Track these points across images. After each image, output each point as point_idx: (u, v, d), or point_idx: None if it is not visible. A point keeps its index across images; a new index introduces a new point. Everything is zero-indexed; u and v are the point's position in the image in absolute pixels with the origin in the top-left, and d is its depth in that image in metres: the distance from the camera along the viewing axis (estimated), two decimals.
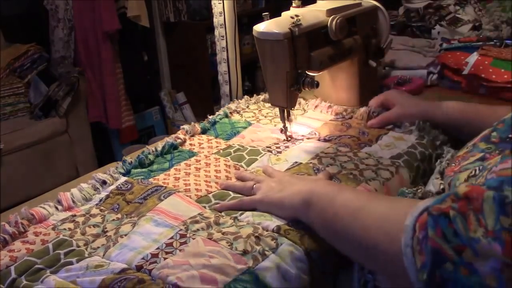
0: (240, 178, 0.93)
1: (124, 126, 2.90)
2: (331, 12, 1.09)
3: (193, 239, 0.73)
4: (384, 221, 0.60)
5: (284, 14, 1.09)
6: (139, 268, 0.68)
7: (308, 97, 1.32)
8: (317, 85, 1.04)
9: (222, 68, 1.47)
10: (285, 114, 1.10)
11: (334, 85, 1.25)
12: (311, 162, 0.97)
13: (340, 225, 0.68)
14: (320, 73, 1.09)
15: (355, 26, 1.16)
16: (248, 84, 3.38)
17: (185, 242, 0.72)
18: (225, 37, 1.42)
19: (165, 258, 0.69)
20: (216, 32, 1.43)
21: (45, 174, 2.50)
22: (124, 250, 0.72)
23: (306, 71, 1.05)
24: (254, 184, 0.86)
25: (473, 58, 1.35)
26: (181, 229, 0.76)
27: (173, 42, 3.32)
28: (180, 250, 0.71)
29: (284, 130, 1.10)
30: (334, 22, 1.06)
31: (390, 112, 1.11)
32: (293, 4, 1.13)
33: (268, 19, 1.05)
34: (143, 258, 0.69)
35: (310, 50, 1.05)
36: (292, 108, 1.10)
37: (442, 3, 1.76)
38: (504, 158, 0.54)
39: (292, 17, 1.02)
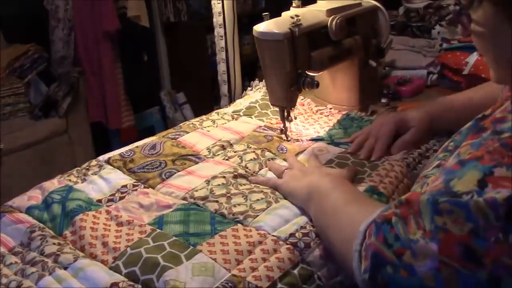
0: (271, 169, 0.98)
1: (124, 126, 2.90)
2: (331, 12, 1.09)
3: None
4: (351, 225, 0.64)
5: (284, 14, 1.09)
6: None
7: (308, 97, 1.32)
8: (317, 85, 1.04)
9: (221, 68, 1.47)
10: (285, 114, 1.10)
11: (334, 85, 1.25)
12: None
13: (324, 221, 0.74)
14: (320, 73, 1.09)
15: (355, 26, 1.16)
16: (248, 85, 3.38)
17: None
18: (224, 37, 1.42)
19: None
20: (216, 32, 1.44)
21: (45, 174, 2.49)
22: None
23: (306, 71, 1.05)
24: (286, 169, 0.92)
25: (473, 58, 1.35)
26: None
27: (173, 42, 3.32)
28: None
29: (284, 130, 1.10)
30: (334, 22, 1.06)
31: (406, 137, 1.02)
32: (293, 4, 1.13)
33: (268, 19, 1.05)
34: None
35: (310, 50, 1.05)
36: (292, 108, 1.10)
37: (442, 3, 1.76)
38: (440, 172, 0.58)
39: (292, 17, 1.02)
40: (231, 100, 1.48)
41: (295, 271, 0.71)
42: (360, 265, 0.57)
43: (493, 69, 0.69)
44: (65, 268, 0.72)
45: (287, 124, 1.11)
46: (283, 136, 1.11)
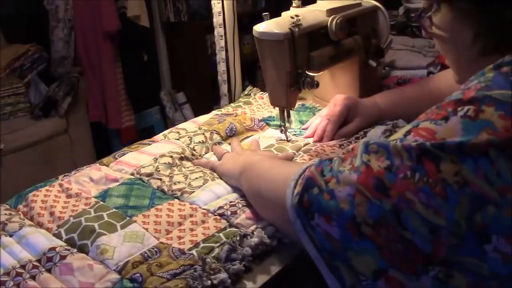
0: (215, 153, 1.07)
1: (124, 126, 2.90)
2: (331, 12, 1.09)
3: None
4: (286, 174, 0.68)
5: (284, 14, 1.09)
6: None
7: (308, 97, 1.32)
8: (317, 85, 1.04)
9: (221, 68, 1.47)
10: (285, 114, 1.10)
11: (334, 85, 1.25)
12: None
13: (256, 183, 0.79)
14: (320, 73, 1.09)
15: (355, 26, 1.16)
16: (248, 84, 3.38)
17: None
18: (223, 37, 1.42)
19: None
20: (216, 32, 1.44)
21: (45, 174, 2.49)
22: None
23: (306, 71, 1.05)
24: (226, 152, 1.01)
25: None
26: None
27: (173, 42, 3.32)
28: None
29: (284, 130, 1.10)
30: (334, 22, 1.06)
31: (351, 126, 1.10)
32: (293, 4, 1.13)
33: (268, 19, 1.05)
34: None
35: (310, 50, 1.05)
36: (292, 108, 1.10)
37: None
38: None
39: (292, 17, 1.02)
40: (231, 100, 1.48)
41: (221, 234, 0.79)
42: (294, 191, 0.63)
43: (455, 71, 0.73)
44: (11, 236, 0.81)
45: (287, 124, 1.11)
46: (283, 136, 1.11)
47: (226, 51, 1.44)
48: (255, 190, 0.80)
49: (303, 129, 1.16)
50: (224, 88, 1.50)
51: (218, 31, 1.42)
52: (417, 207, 0.50)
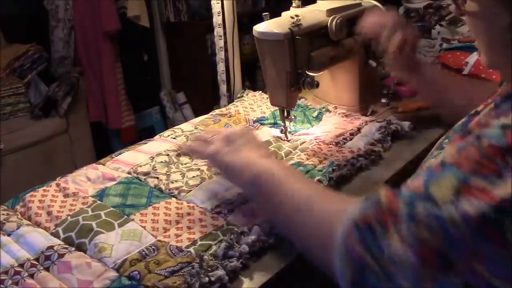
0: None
1: (124, 126, 2.90)
2: (331, 12, 1.09)
3: None
4: (319, 227, 0.62)
5: (284, 14, 1.09)
6: None
7: (308, 97, 1.32)
8: (317, 85, 1.04)
9: (220, 68, 1.47)
10: (285, 114, 1.10)
11: (334, 85, 1.25)
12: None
13: (282, 214, 0.70)
14: (320, 73, 1.09)
15: (355, 26, 1.16)
16: (248, 84, 3.38)
17: None
18: (222, 37, 1.42)
19: None
20: (215, 32, 1.44)
21: (45, 174, 2.49)
22: None
23: (306, 71, 1.05)
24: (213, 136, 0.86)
25: (473, 58, 1.35)
26: None
27: (173, 42, 3.32)
28: None
29: (284, 130, 1.10)
30: (334, 22, 1.06)
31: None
32: (293, 4, 1.13)
33: (268, 19, 1.05)
34: None
35: (310, 50, 1.05)
36: (292, 108, 1.10)
37: (442, 3, 1.76)
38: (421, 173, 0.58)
39: (292, 17, 1.02)
40: (231, 99, 1.48)
41: (218, 232, 0.79)
42: (343, 269, 0.56)
43: (485, 53, 0.68)
44: (9, 235, 0.82)
45: (287, 124, 1.11)
46: (282, 136, 1.11)
47: (226, 51, 1.44)
48: (283, 220, 0.71)
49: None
50: (223, 88, 1.49)
51: (218, 31, 1.42)
52: (486, 276, 0.47)
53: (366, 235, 0.54)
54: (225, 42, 1.43)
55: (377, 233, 0.53)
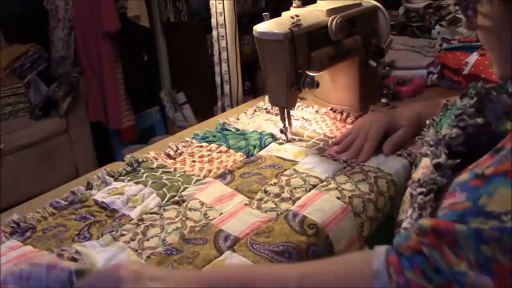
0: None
1: (124, 126, 2.90)
2: (331, 12, 1.09)
3: None
4: (345, 278, 0.54)
5: (284, 14, 1.09)
6: None
7: (308, 97, 1.32)
8: (317, 85, 1.04)
9: (218, 69, 1.47)
10: (285, 114, 1.10)
11: (334, 85, 1.25)
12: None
13: None
14: (320, 73, 1.09)
15: (355, 26, 1.16)
16: (248, 84, 3.38)
17: None
18: (221, 37, 1.42)
19: None
20: (216, 33, 1.43)
21: (45, 174, 2.49)
22: None
23: (306, 71, 1.05)
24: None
25: (473, 58, 1.35)
26: None
27: (173, 42, 3.32)
28: None
29: (284, 130, 1.10)
30: (334, 22, 1.06)
31: (399, 133, 1.02)
32: (293, 4, 1.13)
33: (268, 19, 1.05)
34: None
35: (310, 50, 1.05)
36: (292, 108, 1.10)
37: (442, 3, 1.76)
38: (450, 190, 0.54)
39: (292, 17, 1.02)
40: (231, 100, 1.48)
41: None
42: None
43: (497, 65, 0.67)
44: None
45: (287, 124, 1.11)
46: (283, 136, 1.11)
47: (226, 51, 1.44)
48: None
49: (334, 143, 1.07)
50: (226, 89, 1.49)
51: (220, 31, 1.42)
52: None
53: (417, 261, 0.48)
54: (226, 42, 1.43)
55: (432, 258, 0.47)
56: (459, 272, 0.46)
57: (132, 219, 0.84)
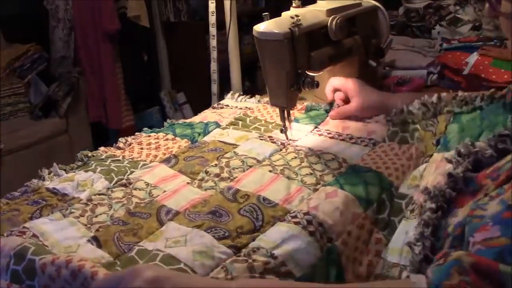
0: None
1: (124, 126, 2.90)
2: (331, 12, 1.09)
3: None
4: None
5: (284, 14, 1.09)
6: None
7: (308, 97, 1.32)
8: (317, 85, 1.04)
9: (212, 67, 1.47)
10: (285, 114, 1.09)
11: None
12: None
13: None
14: (320, 73, 1.09)
15: (355, 26, 1.16)
16: (248, 84, 3.38)
17: None
18: (211, 36, 1.42)
19: None
20: (210, 31, 1.43)
21: None
22: None
23: (306, 71, 1.05)
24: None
25: (473, 58, 1.35)
26: None
27: (173, 42, 3.32)
28: None
29: (284, 130, 1.10)
30: (334, 22, 1.06)
31: (350, 105, 1.09)
32: (293, 4, 1.13)
33: (268, 19, 1.05)
34: None
35: (310, 50, 1.05)
36: (292, 108, 1.10)
37: (442, 3, 1.76)
38: (477, 224, 0.51)
39: (292, 17, 1.02)
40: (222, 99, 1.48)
41: None
42: None
43: None
44: None
45: (287, 124, 1.11)
46: (283, 136, 1.11)
47: (226, 51, 1.44)
48: None
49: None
50: (214, 88, 1.50)
51: (211, 30, 1.42)
52: None
53: None
54: (225, 42, 1.43)
55: None
56: None
57: (81, 200, 0.88)
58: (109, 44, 2.75)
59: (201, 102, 3.24)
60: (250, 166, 0.95)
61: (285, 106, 1.08)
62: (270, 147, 1.03)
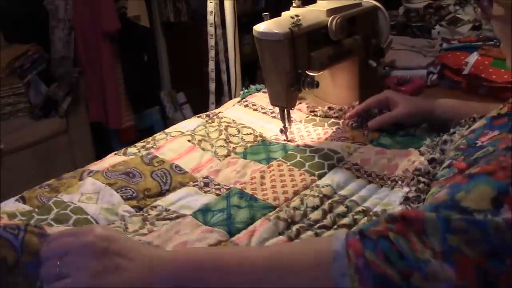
0: None
1: (124, 126, 2.90)
2: (331, 12, 1.09)
3: None
4: (303, 258, 0.52)
5: (284, 14, 1.09)
6: None
7: (308, 97, 1.32)
8: (317, 85, 1.04)
9: (210, 66, 1.48)
10: (285, 114, 1.10)
11: (334, 85, 1.25)
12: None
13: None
14: (320, 73, 1.09)
15: (355, 26, 1.16)
16: (248, 84, 3.38)
17: None
18: (210, 36, 1.43)
19: None
20: (215, 32, 1.44)
21: (45, 174, 2.49)
22: None
23: (306, 71, 1.05)
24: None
25: (473, 58, 1.35)
26: None
27: (173, 42, 3.32)
28: None
29: (284, 130, 1.10)
30: (334, 22, 1.06)
31: (392, 112, 1.08)
32: (293, 4, 1.13)
33: (268, 19, 1.05)
34: None
35: (310, 50, 1.05)
36: (292, 108, 1.10)
37: (442, 3, 1.76)
38: (440, 188, 0.55)
39: (292, 17, 1.02)
40: (230, 98, 1.48)
41: None
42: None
43: (511, 56, 0.66)
44: None
45: (287, 124, 1.11)
46: (283, 136, 1.11)
47: (226, 51, 1.44)
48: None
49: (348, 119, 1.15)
50: (212, 86, 1.50)
51: (209, 30, 1.42)
52: None
53: (382, 244, 0.47)
54: (225, 42, 1.43)
55: (397, 243, 0.46)
56: (422, 260, 0.45)
57: None
58: (109, 44, 2.75)
59: (201, 102, 3.25)
60: (173, 137, 1.08)
61: (285, 106, 1.08)
62: (197, 121, 1.18)
